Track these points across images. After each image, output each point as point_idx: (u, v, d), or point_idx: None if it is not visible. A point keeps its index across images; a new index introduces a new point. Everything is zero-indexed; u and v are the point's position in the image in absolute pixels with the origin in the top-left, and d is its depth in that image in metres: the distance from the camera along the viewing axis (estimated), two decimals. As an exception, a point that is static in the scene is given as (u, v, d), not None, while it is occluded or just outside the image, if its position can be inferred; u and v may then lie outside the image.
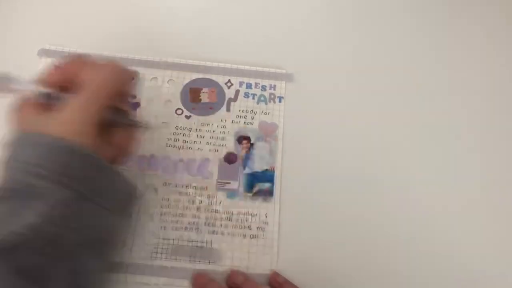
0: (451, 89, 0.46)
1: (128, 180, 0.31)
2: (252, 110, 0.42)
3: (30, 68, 0.41)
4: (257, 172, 0.40)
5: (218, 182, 0.39)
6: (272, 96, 0.43)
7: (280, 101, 0.43)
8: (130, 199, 0.33)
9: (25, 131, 0.28)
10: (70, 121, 0.28)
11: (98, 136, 0.29)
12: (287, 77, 0.44)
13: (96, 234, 0.29)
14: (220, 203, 0.38)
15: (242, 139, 0.41)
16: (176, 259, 0.36)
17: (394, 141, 0.42)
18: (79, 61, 0.31)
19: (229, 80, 0.44)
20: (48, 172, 0.26)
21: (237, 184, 0.39)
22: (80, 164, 0.27)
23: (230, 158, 0.40)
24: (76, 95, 0.29)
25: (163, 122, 0.41)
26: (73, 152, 0.27)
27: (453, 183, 0.41)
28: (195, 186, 0.38)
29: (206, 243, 0.36)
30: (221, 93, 0.43)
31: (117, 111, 0.31)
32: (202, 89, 0.43)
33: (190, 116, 0.42)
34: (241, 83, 0.44)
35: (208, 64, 0.44)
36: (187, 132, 0.41)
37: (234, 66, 0.44)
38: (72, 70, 0.30)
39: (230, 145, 0.41)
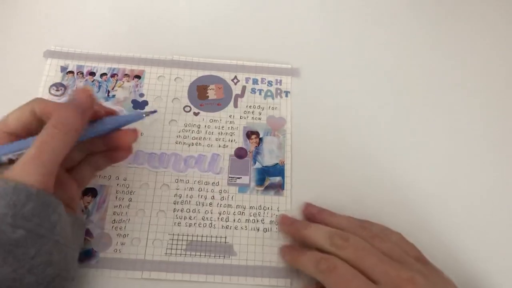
0: (454, 85, 0.46)
1: (79, 212, 0.32)
2: (259, 106, 0.43)
3: (36, 70, 0.42)
4: (267, 166, 0.40)
5: (229, 177, 0.39)
6: (278, 91, 0.44)
7: (286, 96, 0.44)
8: (82, 229, 0.34)
9: None
10: (26, 166, 0.27)
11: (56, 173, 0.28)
12: (293, 72, 0.45)
13: (53, 271, 0.28)
14: (232, 198, 0.38)
15: (250, 134, 0.41)
16: (190, 254, 0.36)
17: (401, 133, 0.43)
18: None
19: (235, 77, 0.44)
20: (1, 217, 0.25)
21: (248, 179, 0.39)
22: (36, 207, 0.27)
23: (240, 153, 0.40)
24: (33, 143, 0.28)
25: (171, 120, 0.41)
26: (31, 196, 0.26)
27: (462, 171, 0.41)
28: (206, 182, 0.39)
29: (220, 238, 0.37)
30: (228, 89, 0.43)
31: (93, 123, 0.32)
32: (209, 86, 0.43)
33: (198, 113, 0.42)
34: (247, 79, 0.44)
35: (215, 61, 0.44)
36: (196, 129, 0.41)
37: (240, 63, 0.45)
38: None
39: (239, 140, 0.41)
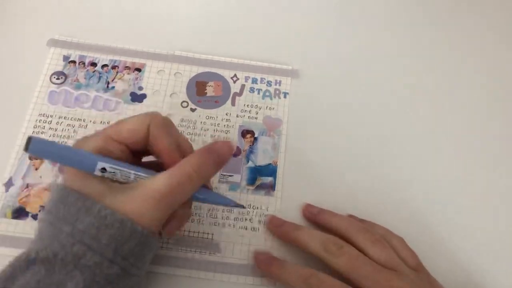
0: (455, 85, 0.46)
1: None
2: (257, 105, 0.43)
3: (39, 58, 0.42)
4: (260, 166, 0.40)
5: (221, 174, 0.39)
6: (277, 92, 0.44)
7: (285, 97, 0.43)
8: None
9: (87, 197, 0.26)
10: (144, 206, 0.26)
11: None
12: (293, 73, 0.45)
13: None
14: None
15: (246, 133, 0.41)
16: (178, 249, 0.36)
17: (400, 138, 0.43)
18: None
19: (235, 75, 0.44)
20: (101, 247, 0.25)
21: (240, 177, 0.39)
22: (138, 246, 0.27)
23: (234, 152, 0.40)
24: (155, 179, 0.27)
25: (168, 114, 0.41)
26: (136, 235, 0.26)
27: (462, 172, 0.41)
28: (198, 178, 0.39)
29: (207, 234, 0.37)
30: (227, 87, 0.43)
31: (206, 190, 0.31)
32: (208, 83, 0.43)
33: (195, 109, 0.42)
34: (246, 78, 0.44)
35: (215, 58, 0.44)
36: (192, 125, 0.41)
37: (241, 61, 0.45)
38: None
39: (234, 138, 0.41)
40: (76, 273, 0.25)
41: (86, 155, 0.26)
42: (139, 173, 0.28)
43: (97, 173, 0.27)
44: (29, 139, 0.24)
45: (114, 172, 0.27)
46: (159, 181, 0.27)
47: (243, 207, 0.35)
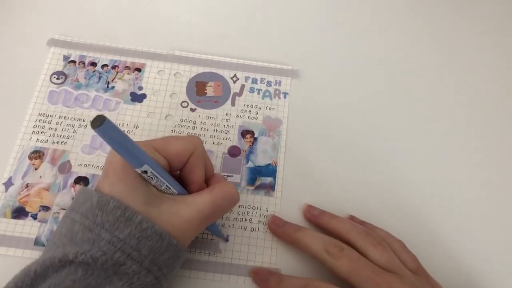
0: (455, 85, 0.46)
1: None
2: (256, 105, 0.43)
3: (39, 58, 0.43)
4: (259, 166, 0.40)
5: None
6: (277, 92, 0.44)
7: (285, 97, 0.43)
8: None
9: (127, 206, 0.27)
10: (184, 225, 0.29)
11: None
12: (293, 74, 0.45)
13: None
14: (222, 195, 0.38)
15: (245, 133, 0.41)
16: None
17: (399, 139, 0.42)
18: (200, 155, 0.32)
19: (235, 75, 0.44)
20: (141, 257, 0.27)
21: (239, 178, 0.39)
22: (171, 258, 0.28)
23: (233, 152, 0.40)
24: (200, 200, 0.30)
25: (168, 114, 0.41)
26: (171, 248, 0.28)
27: (462, 172, 0.41)
28: (197, 178, 0.39)
29: (207, 234, 0.37)
30: (227, 87, 0.43)
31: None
32: (208, 83, 0.43)
33: (195, 109, 0.42)
34: (246, 78, 0.44)
35: (215, 58, 0.44)
36: (191, 125, 0.41)
37: (241, 61, 0.45)
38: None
39: (234, 138, 0.41)
40: (115, 278, 0.26)
41: (141, 151, 0.27)
42: (170, 187, 0.30)
43: (138, 170, 0.28)
44: (103, 119, 0.24)
45: (152, 178, 0.28)
46: (204, 203, 0.30)
47: (226, 240, 0.37)
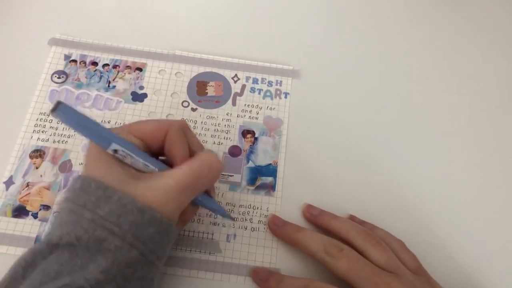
0: (456, 85, 0.46)
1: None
2: (257, 105, 0.43)
3: (40, 57, 0.43)
4: (260, 166, 0.40)
5: (221, 174, 0.39)
6: (278, 92, 0.44)
7: (286, 97, 0.43)
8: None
9: (108, 185, 0.27)
10: (163, 196, 0.28)
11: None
12: (294, 74, 0.45)
13: None
14: (222, 195, 0.38)
15: (246, 133, 0.41)
16: (176, 248, 0.36)
17: (399, 139, 0.42)
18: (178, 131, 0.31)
19: (236, 75, 0.44)
20: (122, 232, 0.26)
21: (240, 177, 0.39)
22: (158, 233, 0.28)
23: (234, 152, 0.40)
24: (177, 171, 0.29)
25: (168, 114, 0.41)
26: (155, 222, 0.27)
27: (463, 172, 0.41)
28: (198, 178, 0.39)
29: (207, 234, 0.37)
30: (228, 87, 0.43)
31: (206, 195, 0.33)
32: (209, 83, 0.43)
33: (196, 109, 0.42)
34: (247, 78, 0.44)
35: (216, 58, 0.45)
36: (192, 124, 0.41)
37: (242, 61, 0.45)
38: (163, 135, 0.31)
39: (235, 138, 0.41)
40: (98, 256, 0.26)
41: (105, 130, 0.28)
42: (147, 163, 0.29)
43: (109, 151, 0.28)
44: (58, 103, 0.25)
45: (124, 156, 0.28)
46: (182, 173, 0.29)
47: (233, 219, 0.36)
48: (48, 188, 0.37)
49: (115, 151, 0.28)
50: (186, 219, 0.33)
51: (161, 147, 0.31)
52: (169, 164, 0.31)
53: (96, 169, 0.28)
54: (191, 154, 0.31)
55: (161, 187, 0.28)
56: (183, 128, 0.32)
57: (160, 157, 0.32)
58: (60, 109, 0.25)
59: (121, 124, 0.40)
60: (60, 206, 0.29)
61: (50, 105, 0.40)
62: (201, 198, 0.32)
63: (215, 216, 0.37)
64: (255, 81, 0.44)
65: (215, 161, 0.30)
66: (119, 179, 0.28)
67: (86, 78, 0.42)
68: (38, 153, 0.38)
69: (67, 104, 0.25)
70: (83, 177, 0.28)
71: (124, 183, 0.28)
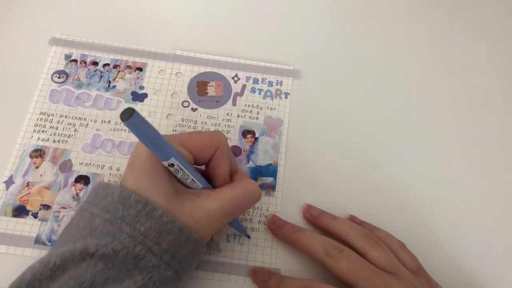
0: (456, 85, 0.46)
1: None
2: (258, 105, 0.43)
3: (41, 57, 0.43)
4: (260, 166, 0.40)
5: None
6: (278, 92, 0.44)
7: (286, 97, 0.43)
8: None
9: (149, 200, 0.27)
10: (205, 218, 0.29)
11: None
12: (294, 74, 0.45)
13: None
14: (222, 195, 0.38)
15: (246, 133, 0.41)
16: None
17: (399, 139, 0.42)
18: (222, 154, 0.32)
19: (236, 75, 0.44)
20: (161, 251, 0.27)
21: (240, 177, 0.39)
22: (191, 252, 0.28)
23: (234, 152, 0.40)
24: (222, 195, 0.29)
25: (169, 114, 0.41)
26: (191, 243, 0.28)
27: (463, 173, 0.41)
28: (198, 178, 0.39)
29: (207, 234, 0.37)
30: (228, 87, 0.43)
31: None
32: (209, 83, 0.43)
33: (196, 109, 0.42)
34: (248, 78, 0.44)
35: (216, 58, 0.45)
36: (192, 125, 0.41)
37: (242, 61, 0.45)
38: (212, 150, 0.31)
39: (235, 138, 0.41)
40: (135, 272, 0.26)
41: (168, 145, 0.28)
42: (195, 180, 0.30)
43: (165, 163, 0.28)
44: (132, 111, 0.24)
45: (178, 171, 0.28)
46: (226, 200, 0.29)
47: (249, 237, 0.37)
48: (48, 188, 0.37)
49: (171, 165, 0.28)
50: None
51: (206, 161, 0.32)
52: (208, 177, 0.32)
53: (144, 177, 0.28)
54: (230, 173, 0.33)
55: (205, 209, 0.29)
56: (229, 149, 0.33)
57: (195, 166, 0.33)
58: (133, 118, 0.24)
59: (122, 124, 0.40)
60: (90, 211, 0.28)
61: (49, 104, 0.40)
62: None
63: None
64: (255, 81, 0.44)
65: (257, 191, 0.31)
66: (166, 193, 0.28)
67: (86, 78, 0.42)
68: (38, 153, 0.38)
69: (139, 113, 0.25)
70: (121, 188, 0.28)
71: (169, 198, 0.28)
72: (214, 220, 0.29)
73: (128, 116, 0.24)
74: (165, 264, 0.27)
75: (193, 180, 0.30)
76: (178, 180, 0.30)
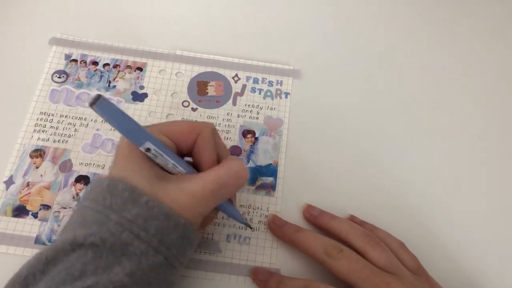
0: (456, 85, 0.46)
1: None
2: (258, 105, 0.43)
3: (41, 57, 0.43)
4: (260, 166, 0.40)
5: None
6: (278, 92, 0.44)
7: (286, 97, 0.43)
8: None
9: (135, 187, 0.27)
10: (189, 201, 0.28)
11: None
12: (294, 74, 0.45)
13: None
14: (222, 195, 0.38)
15: (246, 133, 0.41)
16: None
17: (400, 139, 0.42)
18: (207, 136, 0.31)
19: (236, 75, 0.44)
20: (148, 237, 0.26)
21: (240, 177, 0.39)
22: (180, 238, 0.28)
23: (234, 151, 0.40)
24: (205, 177, 0.29)
25: (169, 114, 0.41)
26: (178, 228, 0.28)
27: (463, 173, 0.41)
28: (198, 178, 0.39)
29: (207, 234, 0.37)
30: (228, 87, 0.43)
31: (227, 202, 0.33)
32: (209, 83, 0.43)
33: (196, 109, 0.42)
34: (248, 78, 0.44)
35: (217, 58, 0.44)
36: (192, 124, 0.41)
37: (242, 61, 0.45)
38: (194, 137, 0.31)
39: (235, 138, 0.41)
40: (123, 259, 0.26)
41: (140, 128, 0.28)
42: (176, 165, 0.29)
43: (141, 149, 0.28)
44: (98, 96, 0.25)
45: (156, 156, 0.28)
46: (209, 179, 0.29)
47: (251, 228, 0.37)
48: (48, 188, 0.37)
49: (148, 149, 0.28)
50: (206, 223, 0.34)
51: (190, 149, 0.31)
52: (195, 166, 0.31)
53: (126, 166, 0.28)
54: (218, 158, 0.32)
55: (188, 192, 0.28)
56: (213, 132, 0.32)
57: (185, 158, 0.32)
58: (99, 103, 0.25)
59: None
60: (82, 204, 0.28)
61: (49, 104, 0.40)
62: (223, 204, 0.32)
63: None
64: (255, 81, 0.44)
65: (242, 169, 0.30)
66: (148, 179, 0.28)
67: (86, 77, 0.42)
68: (38, 153, 0.38)
69: (106, 98, 0.26)
70: (110, 178, 0.28)
71: (152, 184, 0.28)
72: (200, 202, 0.28)
73: (94, 101, 0.25)
74: (153, 250, 0.26)
75: (174, 165, 0.29)
76: (161, 167, 0.30)
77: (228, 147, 0.40)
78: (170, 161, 0.29)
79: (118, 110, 0.26)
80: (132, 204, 0.27)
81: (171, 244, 0.27)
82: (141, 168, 0.28)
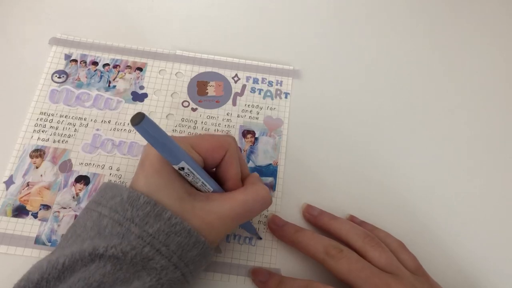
0: (456, 85, 0.46)
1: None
2: (258, 105, 0.43)
3: (41, 57, 0.43)
4: (260, 166, 0.40)
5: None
6: (278, 92, 0.44)
7: (286, 97, 0.43)
8: None
9: (157, 201, 0.27)
10: (216, 221, 0.29)
11: None
12: (294, 74, 0.45)
13: None
14: (222, 195, 0.38)
15: (246, 133, 0.41)
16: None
17: (399, 139, 0.42)
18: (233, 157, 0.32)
19: (236, 75, 0.44)
20: (169, 252, 0.27)
21: (240, 177, 0.39)
22: (198, 255, 0.28)
23: (234, 152, 0.40)
24: (233, 199, 0.30)
25: (169, 114, 0.41)
26: (198, 245, 0.28)
27: (463, 173, 0.41)
28: (198, 178, 0.39)
29: (207, 234, 0.37)
30: (228, 87, 0.43)
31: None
32: (209, 83, 0.43)
33: (196, 109, 0.42)
34: (248, 78, 0.44)
35: (216, 58, 0.45)
36: (192, 125, 0.41)
37: (242, 61, 0.45)
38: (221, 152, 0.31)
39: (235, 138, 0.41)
40: (143, 273, 0.26)
41: (179, 149, 0.27)
42: (206, 184, 0.30)
43: (175, 167, 0.28)
44: (142, 116, 0.24)
45: (188, 174, 0.28)
46: (237, 203, 0.29)
47: (260, 238, 0.37)
48: (48, 188, 0.37)
49: (182, 168, 0.28)
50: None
51: (216, 164, 0.31)
52: (218, 181, 0.32)
53: (155, 179, 0.28)
54: (241, 177, 0.33)
55: (215, 212, 0.29)
56: (239, 151, 0.33)
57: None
58: (143, 124, 0.24)
59: (123, 124, 0.40)
60: (95, 210, 0.28)
61: (49, 104, 0.40)
62: None
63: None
64: (255, 81, 0.44)
65: (268, 196, 0.31)
66: (177, 195, 0.28)
67: (86, 77, 0.42)
68: (38, 153, 0.38)
69: (150, 118, 0.25)
70: (130, 189, 0.28)
71: (181, 201, 0.28)
72: (225, 223, 0.29)
73: (139, 121, 0.24)
74: (173, 266, 0.27)
75: (203, 183, 0.30)
76: (189, 183, 0.30)
77: (228, 147, 0.40)
78: (200, 180, 0.29)
79: (160, 131, 0.26)
80: (155, 218, 0.27)
81: (190, 260, 0.28)
82: (172, 184, 0.28)
